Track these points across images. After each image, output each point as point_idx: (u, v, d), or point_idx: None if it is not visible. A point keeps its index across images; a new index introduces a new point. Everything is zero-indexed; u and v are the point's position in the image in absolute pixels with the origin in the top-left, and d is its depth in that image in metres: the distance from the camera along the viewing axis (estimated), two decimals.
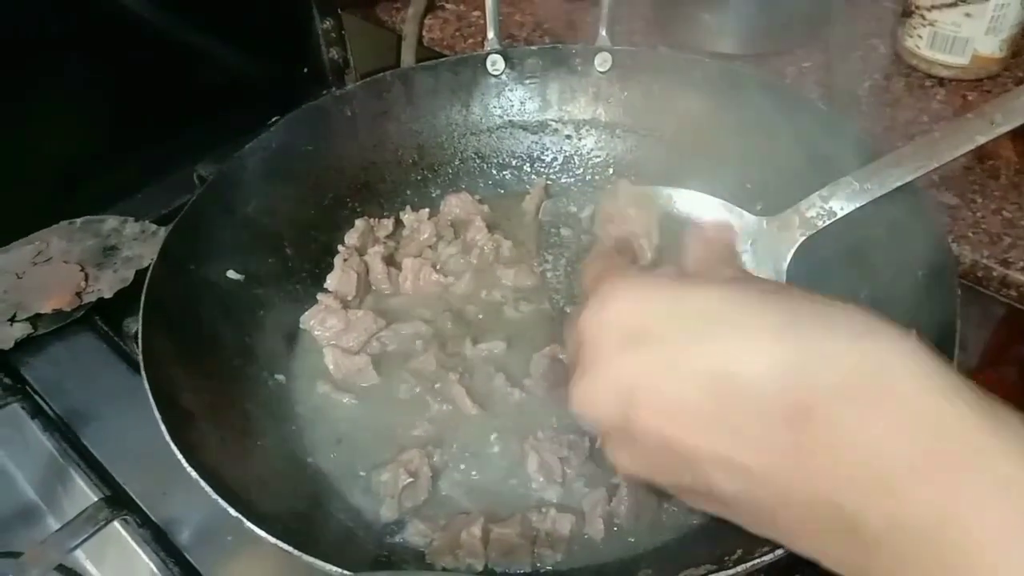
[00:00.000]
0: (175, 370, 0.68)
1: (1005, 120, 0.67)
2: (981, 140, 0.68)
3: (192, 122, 1.11)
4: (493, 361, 0.80)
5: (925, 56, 1.08)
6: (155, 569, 0.72)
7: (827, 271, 0.78)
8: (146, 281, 0.72)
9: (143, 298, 0.70)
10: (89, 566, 0.76)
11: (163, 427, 0.60)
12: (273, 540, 0.54)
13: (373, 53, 1.35)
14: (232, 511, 0.56)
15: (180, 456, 0.58)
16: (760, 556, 0.53)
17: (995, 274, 0.85)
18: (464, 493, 0.71)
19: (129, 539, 0.74)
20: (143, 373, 0.64)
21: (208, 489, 0.57)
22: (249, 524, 0.55)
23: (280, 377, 0.80)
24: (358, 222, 0.91)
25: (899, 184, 0.71)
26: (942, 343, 0.62)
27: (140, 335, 0.67)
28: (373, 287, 0.89)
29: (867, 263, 0.76)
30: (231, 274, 0.81)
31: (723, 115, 0.91)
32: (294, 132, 0.89)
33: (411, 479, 0.69)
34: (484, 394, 0.77)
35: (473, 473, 0.72)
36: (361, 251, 0.89)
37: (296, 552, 0.54)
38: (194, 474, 0.57)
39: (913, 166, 0.70)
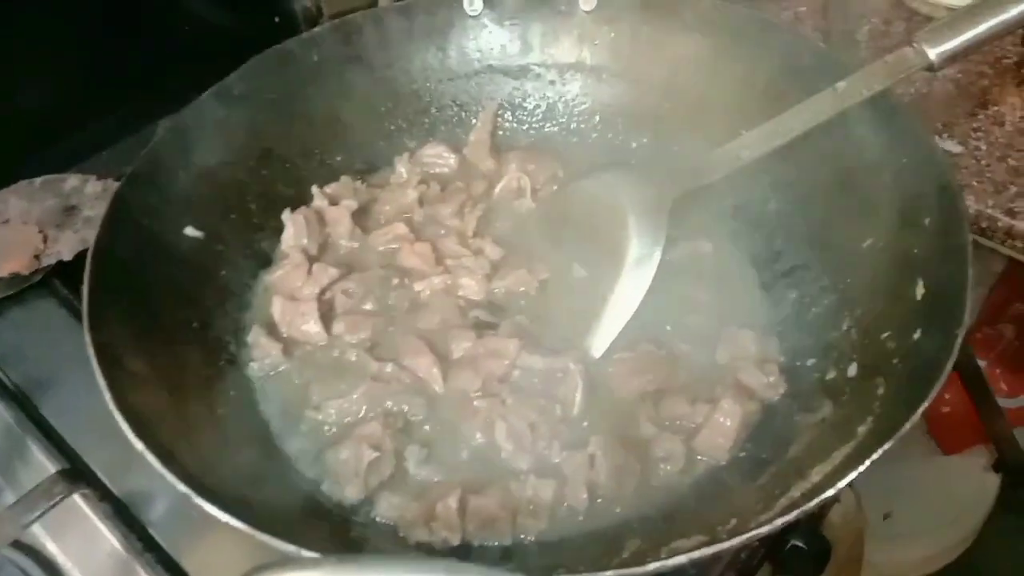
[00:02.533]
0: (124, 332, 0.63)
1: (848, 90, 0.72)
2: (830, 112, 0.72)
3: (159, 76, 1.05)
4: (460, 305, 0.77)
5: None
6: (117, 545, 0.68)
7: (831, 220, 0.76)
8: (95, 237, 0.67)
9: (90, 254, 0.65)
10: (48, 542, 0.72)
11: (106, 393, 0.56)
12: (226, 518, 0.50)
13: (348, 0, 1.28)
14: (182, 487, 0.51)
15: (125, 426, 0.54)
16: (756, 527, 0.49)
17: (1000, 224, 0.82)
18: (434, 465, 0.67)
19: (89, 513, 0.70)
20: (87, 336, 0.59)
21: (155, 462, 0.52)
22: (199, 500, 0.51)
23: (243, 339, 0.75)
24: (343, 178, 0.86)
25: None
26: (952, 293, 0.59)
27: (85, 294, 0.62)
28: (331, 241, 0.84)
29: (873, 212, 0.72)
30: (189, 231, 0.76)
31: (716, 57, 0.86)
32: (257, 79, 0.83)
33: (377, 453, 0.65)
34: (449, 350, 0.74)
35: (441, 442, 0.69)
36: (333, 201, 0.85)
37: (251, 531, 0.49)
38: (139, 445, 0.53)
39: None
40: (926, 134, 0.70)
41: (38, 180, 0.97)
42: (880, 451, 0.51)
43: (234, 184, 0.81)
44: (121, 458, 0.72)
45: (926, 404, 0.52)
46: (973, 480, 1.57)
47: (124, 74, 1.04)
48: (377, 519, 0.64)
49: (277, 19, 1.21)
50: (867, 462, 0.51)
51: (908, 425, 0.52)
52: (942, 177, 0.66)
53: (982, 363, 1.55)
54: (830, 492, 0.51)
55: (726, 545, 0.48)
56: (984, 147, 0.88)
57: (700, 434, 0.66)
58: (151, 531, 0.69)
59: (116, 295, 0.65)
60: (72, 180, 0.97)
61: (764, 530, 0.49)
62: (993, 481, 1.55)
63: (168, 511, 0.70)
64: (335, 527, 0.63)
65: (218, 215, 0.79)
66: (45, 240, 0.90)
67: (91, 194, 0.96)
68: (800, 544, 0.74)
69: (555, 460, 0.66)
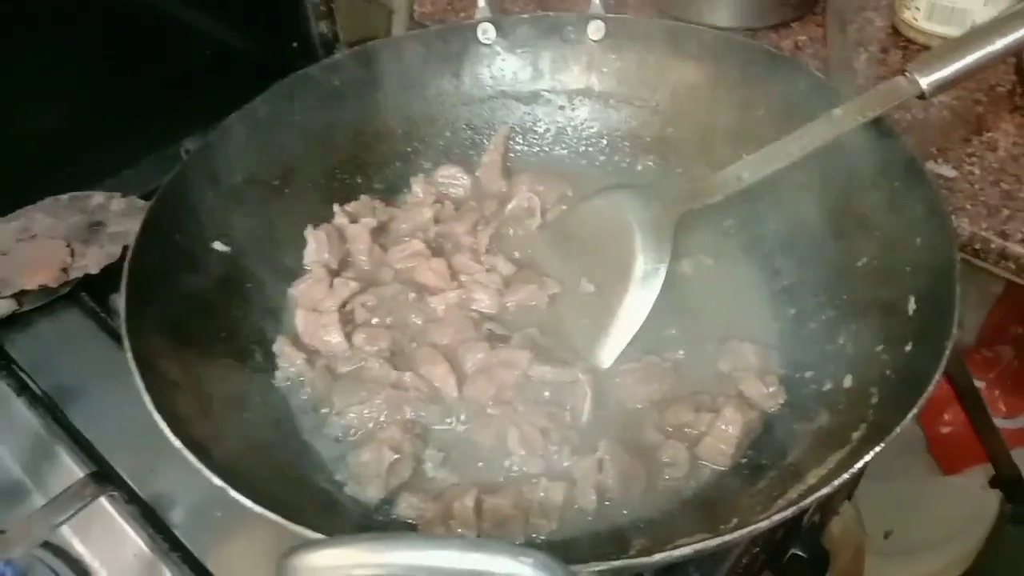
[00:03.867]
0: (158, 341, 0.67)
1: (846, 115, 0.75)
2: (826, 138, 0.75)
3: (180, 98, 1.09)
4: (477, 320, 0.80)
5: (923, 28, 1.06)
6: (143, 545, 0.71)
7: (828, 239, 0.79)
8: (130, 250, 0.70)
9: (126, 267, 0.68)
10: (76, 543, 0.74)
11: (146, 396, 0.59)
12: (260, 510, 0.53)
13: (363, 28, 1.33)
14: (217, 480, 0.55)
15: (163, 424, 0.57)
16: (757, 523, 0.52)
17: (993, 246, 0.85)
18: (451, 468, 0.70)
19: (116, 515, 0.73)
20: (125, 343, 0.62)
21: (191, 457, 0.56)
22: (235, 494, 0.54)
23: (269, 348, 0.78)
24: (363, 197, 0.90)
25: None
26: (941, 308, 0.62)
27: (123, 304, 0.65)
28: (351, 257, 0.87)
29: (867, 232, 0.75)
30: (217, 245, 0.79)
31: (719, 85, 0.90)
32: (280, 101, 0.87)
33: (397, 456, 0.68)
34: (464, 360, 0.77)
35: (457, 447, 0.72)
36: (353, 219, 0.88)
37: (284, 522, 0.53)
38: (177, 442, 0.56)
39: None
40: (917, 159, 0.73)
41: (64, 197, 1.00)
42: (872, 453, 0.54)
43: (258, 202, 0.85)
44: (147, 463, 0.75)
45: (916, 410, 0.55)
46: (973, 499, 1.58)
47: (145, 94, 1.08)
48: (397, 518, 0.67)
49: (295, 44, 1.25)
50: (860, 463, 0.54)
51: (898, 429, 0.55)
52: (932, 200, 0.69)
53: (981, 384, 1.57)
54: (825, 490, 0.53)
55: (728, 538, 0.51)
56: (978, 172, 0.91)
57: (703, 441, 0.69)
58: (176, 532, 0.72)
59: (149, 305, 0.68)
60: (97, 197, 1.00)
61: (764, 525, 0.52)
62: (993, 499, 1.56)
63: (192, 513, 0.73)
64: (357, 525, 0.65)
65: (244, 231, 0.82)
66: (72, 254, 0.93)
67: (116, 211, 0.99)
68: (800, 553, 0.77)
69: (565, 464, 0.69)
